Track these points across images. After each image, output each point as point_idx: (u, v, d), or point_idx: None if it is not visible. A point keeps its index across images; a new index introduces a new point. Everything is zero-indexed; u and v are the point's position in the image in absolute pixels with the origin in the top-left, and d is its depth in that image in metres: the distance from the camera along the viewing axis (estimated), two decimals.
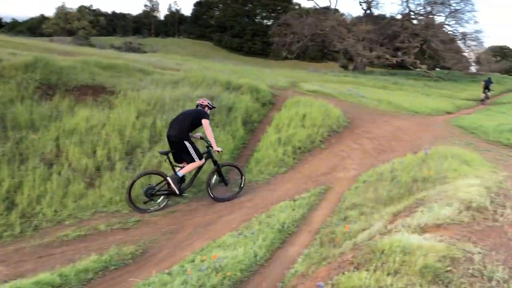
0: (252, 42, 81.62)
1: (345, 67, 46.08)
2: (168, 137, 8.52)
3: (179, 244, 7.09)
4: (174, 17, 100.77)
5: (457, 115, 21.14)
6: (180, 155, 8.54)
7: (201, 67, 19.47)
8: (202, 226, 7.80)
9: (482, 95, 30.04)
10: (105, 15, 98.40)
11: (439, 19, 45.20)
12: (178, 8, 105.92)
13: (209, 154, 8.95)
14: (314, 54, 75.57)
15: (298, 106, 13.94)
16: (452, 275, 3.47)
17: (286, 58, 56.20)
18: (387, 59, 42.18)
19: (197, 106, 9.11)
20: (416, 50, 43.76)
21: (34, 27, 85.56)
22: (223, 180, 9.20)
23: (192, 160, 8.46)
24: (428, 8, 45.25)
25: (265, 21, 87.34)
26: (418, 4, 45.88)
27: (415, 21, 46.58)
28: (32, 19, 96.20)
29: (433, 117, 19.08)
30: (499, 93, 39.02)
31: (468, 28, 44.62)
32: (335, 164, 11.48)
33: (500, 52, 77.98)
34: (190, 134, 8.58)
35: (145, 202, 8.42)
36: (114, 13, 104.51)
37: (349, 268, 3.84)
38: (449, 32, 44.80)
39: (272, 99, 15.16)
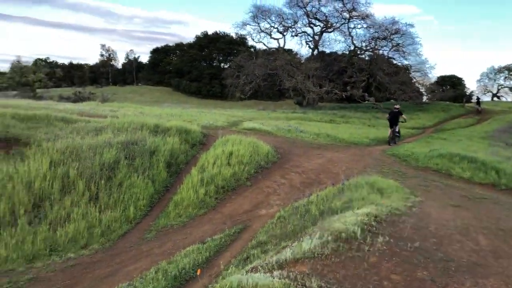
0: (210, 85, 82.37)
1: (300, 103, 46.72)
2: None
3: None
4: (132, 65, 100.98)
5: (398, 144, 21.51)
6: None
7: (137, 113, 19.21)
8: (100, 279, 7.34)
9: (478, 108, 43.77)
10: (61, 66, 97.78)
11: (383, 53, 47.11)
12: (135, 56, 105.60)
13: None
14: (271, 93, 76.81)
15: (226, 144, 13.80)
16: None
17: (241, 98, 56.76)
18: (336, 93, 43.19)
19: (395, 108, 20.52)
20: (363, 84, 45.08)
21: None
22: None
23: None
24: (372, 44, 47.15)
25: (222, 64, 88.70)
26: (362, 41, 47.44)
27: (362, 56, 48.41)
28: None
29: (370, 148, 19.33)
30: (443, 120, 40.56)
31: (412, 60, 45.82)
32: (260, 201, 11.26)
33: (448, 81, 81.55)
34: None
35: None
36: (71, 64, 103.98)
37: None
38: (394, 65, 46.59)
39: (203, 140, 15.00)
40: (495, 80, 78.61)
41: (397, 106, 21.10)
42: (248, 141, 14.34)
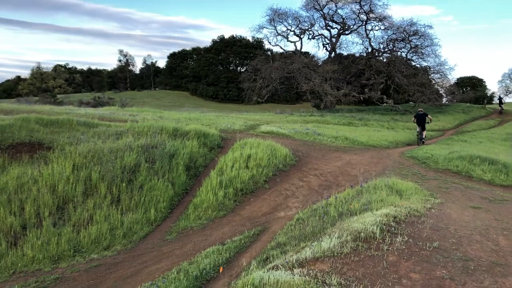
0: (227, 89, 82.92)
1: (317, 106, 46.60)
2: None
3: None
4: (149, 70, 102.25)
5: (417, 146, 21.34)
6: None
7: (156, 117, 19.50)
8: (123, 279, 7.53)
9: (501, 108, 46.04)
10: (80, 72, 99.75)
11: (401, 55, 46.76)
12: (153, 61, 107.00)
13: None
14: (289, 97, 76.95)
15: (244, 148, 13.92)
16: None
17: (258, 102, 56.94)
18: (354, 96, 43.00)
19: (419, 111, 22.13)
20: (381, 86, 44.81)
21: (10, 89, 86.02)
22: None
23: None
24: (390, 45, 46.85)
25: (239, 68, 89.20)
26: (380, 43, 47.19)
27: (379, 58, 48.13)
28: (8, 81, 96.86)
29: (389, 150, 19.24)
30: (464, 122, 40.04)
31: (431, 61, 45.39)
32: (278, 204, 11.35)
33: (469, 82, 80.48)
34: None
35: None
36: (89, 70, 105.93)
37: None
38: (412, 67, 46.21)
39: (221, 143, 15.16)
40: None
41: (421, 109, 22.93)
42: (266, 144, 14.44)
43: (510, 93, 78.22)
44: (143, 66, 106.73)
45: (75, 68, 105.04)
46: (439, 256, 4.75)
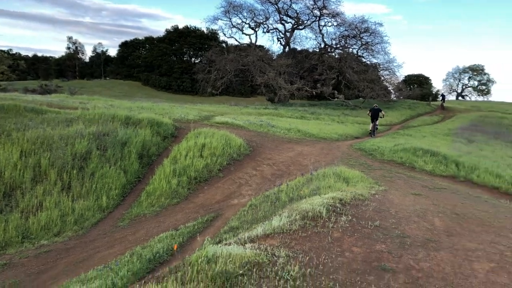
0: (181, 80, 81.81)
1: (271, 100, 47.10)
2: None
3: (42, 284, 6.73)
4: (100, 58, 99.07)
5: (365, 139, 22.21)
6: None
7: (107, 105, 19.11)
8: (74, 264, 7.48)
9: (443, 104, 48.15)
10: (25, 59, 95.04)
11: (352, 51, 48.17)
12: (103, 49, 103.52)
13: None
14: (243, 90, 77.10)
15: (198, 137, 14.01)
16: (245, 278, 3.53)
17: (213, 94, 56.77)
18: (307, 90, 43.87)
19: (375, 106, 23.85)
20: (333, 81, 45.99)
21: None
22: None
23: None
24: (342, 42, 48.12)
25: (193, 59, 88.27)
26: (332, 39, 48.31)
27: (332, 54, 49.33)
28: None
29: (339, 142, 19.92)
30: (410, 117, 41.90)
31: (380, 59, 47.09)
32: (232, 192, 11.56)
33: (416, 80, 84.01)
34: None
35: None
36: (35, 57, 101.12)
37: (158, 280, 3.81)
38: (363, 63, 47.73)
39: (175, 132, 15.13)
40: (459, 80, 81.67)
41: (376, 105, 25.34)
42: (220, 134, 14.59)
43: (453, 91, 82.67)
44: (93, 55, 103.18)
45: (19, 54, 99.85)
46: (379, 233, 5.15)
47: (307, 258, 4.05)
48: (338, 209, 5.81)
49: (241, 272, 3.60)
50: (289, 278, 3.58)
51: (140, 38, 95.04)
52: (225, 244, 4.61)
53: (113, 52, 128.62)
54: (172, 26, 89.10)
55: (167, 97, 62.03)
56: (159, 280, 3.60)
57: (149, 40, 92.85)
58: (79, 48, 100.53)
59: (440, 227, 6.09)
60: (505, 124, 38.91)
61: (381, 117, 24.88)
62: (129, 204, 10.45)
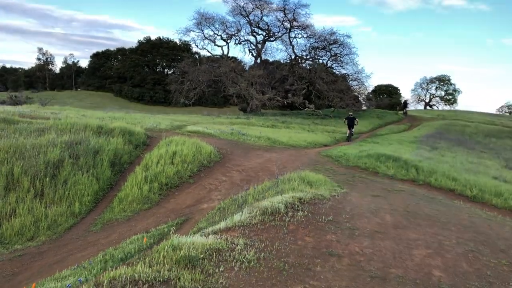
0: (153, 91, 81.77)
1: (244, 110, 47.76)
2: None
3: (18, 284, 7.01)
4: (71, 69, 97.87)
5: (333, 147, 22.98)
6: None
7: (79, 115, 19.27)
8: (48, 266, 7.75)
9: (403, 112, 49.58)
10: None
11: (322, 62, 49.47)
12: (74, 60, 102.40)
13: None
14: (216, 100, 77.58)
15: (170, 145, 14.39)
16: (205, 261, 4.01)
17: (186, 105, 57.04)
18: (278, 100, 44.75)
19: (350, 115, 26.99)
20: (304, 92, 47.05)
21: None
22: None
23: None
24: (312, 53, 49.38)
25: (166, 70, 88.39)
26: (303, 50, 49.55)
27: (302, 65, 50.53)
28: None
29: (307, 150, 20.61)
30: (378, 126, 43.20)
31: (349, 69, 48.58)
32: (202, 197, 11.97)
33: (385, 90, 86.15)
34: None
35: None
36: (3, 68, 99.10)
37: (128, 265, 4.23)
38: (332, 74, 49.04)
39: (147, 141, 15.48)
40: (427, 90, 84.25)
41: (351, 113, 28.96)
42: (191, 142, 15.01)
43: (421, 100, 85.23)
44: (64, 66, 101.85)
45: None
46: (331, 226, 5.71)
47: (263, 245, 4.56)
48: (296, 206, 6.36)
49: (202, 256, 4.07)
50: (245, 260, 4.08)
51: (112, 49, 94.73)
52: (190, 236, 5.07)
53: (84, 63, 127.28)
54: (145, 37, 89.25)
55: (140, 108, 62.01)
56: (129, 264, 4.03)
57: (121, 51, 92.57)
58: (49, 59, 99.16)
59: (389, 222, 6.71)
60: (468, 132, 40.49)
61: (356, 125, 27.90)
62: (102, 209, 10.74)
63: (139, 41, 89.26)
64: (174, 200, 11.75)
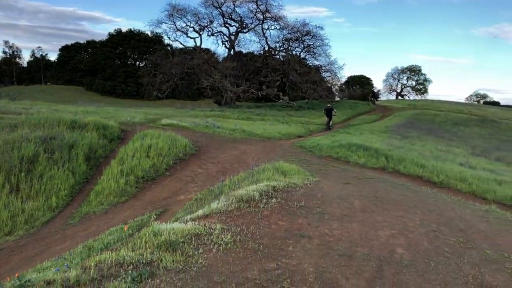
0: (125, 84, 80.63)
1: (218, 102, 47.76)
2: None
3: None
4: (39, 63, 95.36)
5: (307, 138, 23.44)
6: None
7: (52, 110, 19.08)
8: (28, 259, 7.87)
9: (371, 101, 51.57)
10: None
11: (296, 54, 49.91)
12: (43, 53, 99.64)
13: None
14: (190, 93, 77.13)
15: (144, 138, 14.51)
16: (185, 245, 4.28)
17: (158, 98, 56.61)
18: (253, 92, 44.98)
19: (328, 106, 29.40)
20: (278, 83, 47.41)
21: None
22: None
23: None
24: (285, 45, 49.73)
25: (137, 62, 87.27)
26: (276, 42, 49.80)
27: (276, 56, 50.83)
28: None
29: (282, 141, 21.01)
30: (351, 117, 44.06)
31: (322, 61, 49.18)
32: (178, 189, 12.19)
33: (358, 81, 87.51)
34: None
35: None
36: None
37: (112, 250, 4.46)
38: (306, 65, 49.58)
39: (121, 135, 15.53)
40: (399, 80, 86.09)
41: (329, 105, 31.16)
42: (166, 135, 15.15)
43: (393, 91, 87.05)
44: (32, 59, 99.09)
45: None
46: (303, 211, 6.06)
47: (239, 229, 4.86)
48: (270, 193, 6.69)
49: (182, 240, 4.35)
50: (222, 243, 4.38)
51: (82, 41, 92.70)
52: (169, 223, 5.33)
53: (53, 56, 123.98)
54: (115, 30, 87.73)
55: (112, 102, 61.18)
56: (113, 250, 4.27)
57: (91, 43, 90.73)
58: (16, 53, 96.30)
59: (357, 207, 7.12)
60: (438, 120, 41.75)
61: (334, 115, 30.53)
62: (79, 203, 10.84)
63: (109, 34, 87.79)
64: (151, 192, 11.92)
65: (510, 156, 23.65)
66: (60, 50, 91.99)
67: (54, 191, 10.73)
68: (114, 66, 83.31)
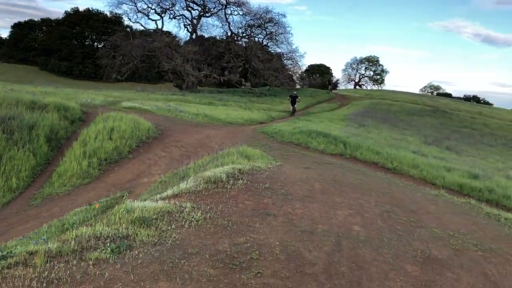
0: (83, 65, 78.01)
1: (179, 87, 47.26)
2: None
3: None
4: None
5: (269, 124, 23.86)
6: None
7: (7, 90, 18.47)
8: None
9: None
10: None
11: (258, 41, 50.08)
12: None
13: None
14: (150, 76, 75.71)
15: (107, 121, 14.41)
16: (158, 221, 4.52)
17: (118, 80, 55.33)
18: (215, 78, 44.91)
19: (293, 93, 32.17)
20: (240, 69, 47.54)
21: None
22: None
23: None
24: (248, 31, 49.76)
25: (96, 43, 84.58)
26: (239, 28, 49.73)
27: (238, 42, 50.79)
28: None
29: (244, 127, 21.32)
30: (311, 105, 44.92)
31: (284, 48, 49.67)
32: (142, 171, 12.27)
33: (318, 69, 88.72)
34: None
35: None
36: None
37: (88, 225, 4.63)
38: (268, 52, 49.89)
39: (82, 116, 15.35)
40: (357, 70, 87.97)
41: (295, 92, 34.43)
42: (129, 118, 15.10)
43: (352, 80, 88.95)
44: None
45: None
46: (268, 192, 6.41)
47: (208, 208, 5.14)
48: (237, 175, 7.00)
49: (155, 217, 4.58)
50: (193, 220, 4.65)
51: (36, 19, 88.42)
52: (140, 201, 5.53)
53: (4, 33, 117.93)
54: (72, 8, 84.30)
55: (69, 83, 59.19)
56: (88, 225, 4.44)
57: (46, 22, 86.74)
58: None
59: (318, 189, 7.55)
60: (393, 110, 43.26)
61: (298, 101, 32.49)
62: (40, 184, 10.74)
63: (66, 12, 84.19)
64: (114, 175, 11.95)
65: (460, 146, 25.12)
66: (12, 27, 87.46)
67: (14, 172, 10.58)
68: (71, 46, 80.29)
